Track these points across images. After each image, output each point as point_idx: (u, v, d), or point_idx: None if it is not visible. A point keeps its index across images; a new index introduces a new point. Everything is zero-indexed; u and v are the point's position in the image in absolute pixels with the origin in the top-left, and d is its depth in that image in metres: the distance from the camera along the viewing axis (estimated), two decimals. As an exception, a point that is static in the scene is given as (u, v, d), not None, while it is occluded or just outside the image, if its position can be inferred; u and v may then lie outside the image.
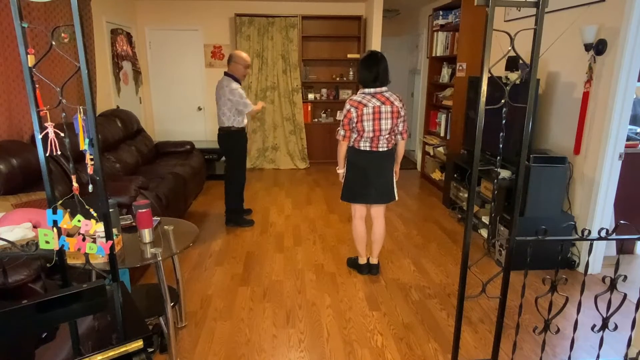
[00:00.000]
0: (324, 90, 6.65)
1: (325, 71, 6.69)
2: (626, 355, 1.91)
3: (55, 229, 1.37)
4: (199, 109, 6.56)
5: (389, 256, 3.48)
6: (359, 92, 2.86)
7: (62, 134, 1.42)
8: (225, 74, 3.79)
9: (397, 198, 3.08)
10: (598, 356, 1.93)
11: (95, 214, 1.41)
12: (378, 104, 2.78)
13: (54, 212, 1.36)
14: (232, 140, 3.88)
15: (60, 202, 1.47)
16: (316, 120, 6.70)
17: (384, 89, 2.82)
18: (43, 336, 1.23)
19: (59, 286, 1.98)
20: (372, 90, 2.80)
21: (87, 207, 1.42)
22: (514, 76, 3.50)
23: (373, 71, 2.77)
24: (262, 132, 6.45)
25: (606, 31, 2.93)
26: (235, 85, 3.70)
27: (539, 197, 3.15)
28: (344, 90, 6.70)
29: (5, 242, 1.43)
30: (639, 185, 3.34)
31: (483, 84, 1.62)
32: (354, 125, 2.82)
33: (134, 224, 2.33)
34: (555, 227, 2.82)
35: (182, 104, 6.53)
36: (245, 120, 3.89)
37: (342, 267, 3.28)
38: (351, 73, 6.65)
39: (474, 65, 4.70)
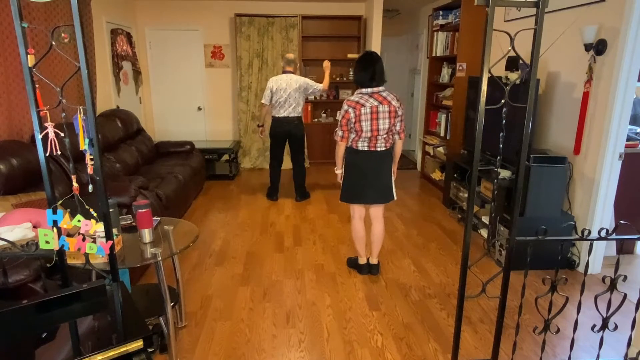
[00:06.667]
0: (324, 90, 6.64)
1: (325, 71, 6.68)
2: (626, 355, 1.91)
3: (55, 229, 1.37)
4: (199, 109, 6.56)
5: (389, 256, 3.48)
6: (356, 93, 2.86)
7: (62, 134, 1.42)
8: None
9: (395, 198, 3.08)
10: (598, 356, 1.93)
11: (95, 214, 1.41)
12: (376, 103, 2.78)
13: (54, 212, 1.36)
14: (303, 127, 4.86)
15: (60, 202, 1.47)
16: (316, 120, 6.70)
17: (380, 88, 2.82)
18: (43, 336, 1.23)
19: (59, 286, 1.98)
20: (369, 90, 2.80)
21: (87, 207, 1.42)
22: (514, 76, 3.50)
23: (369, 71, 2.77)
24: (262, 132, 6.45)
25: (606, 31, 2.93)
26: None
27: (539, 197, 3.15)
28: (344, 90, 6.69)
29: (5, 242, 1.43)
30: (639, 185, 3.34)
31: (483, 84, 1.62)
32: (352, 125, 2.82)
33: (134, 224, 2.33)
34: (555, 227, 2.82)
35: (182, 104, 6.52)
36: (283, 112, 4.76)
37: (342, 267, 3.28)
38: (351, 73, 6.63)
39: (474, 65, 4.70)
